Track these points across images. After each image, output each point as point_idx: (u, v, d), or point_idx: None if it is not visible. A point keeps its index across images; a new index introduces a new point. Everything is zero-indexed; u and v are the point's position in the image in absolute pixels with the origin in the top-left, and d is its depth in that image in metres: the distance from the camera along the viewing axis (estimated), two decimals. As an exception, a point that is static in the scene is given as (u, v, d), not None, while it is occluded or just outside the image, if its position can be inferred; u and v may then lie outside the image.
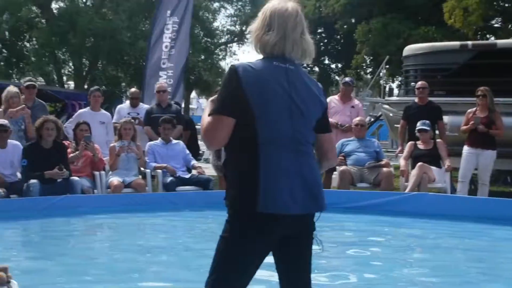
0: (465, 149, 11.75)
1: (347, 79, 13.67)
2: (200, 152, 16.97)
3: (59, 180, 10.29)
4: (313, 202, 3.51)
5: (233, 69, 3.45)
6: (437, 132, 12.43)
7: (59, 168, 10.14)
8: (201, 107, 63.59)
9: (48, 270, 6.57)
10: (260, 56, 3.67)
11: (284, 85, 3.50)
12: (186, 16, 17.25)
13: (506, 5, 24.46)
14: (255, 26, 3.63)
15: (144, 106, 13.42)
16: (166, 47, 16.86)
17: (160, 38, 17.09)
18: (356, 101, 13.33)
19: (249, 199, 3.37)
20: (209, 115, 3.45)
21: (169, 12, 17.21)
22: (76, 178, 10.47)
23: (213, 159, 3.90)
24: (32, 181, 10.03)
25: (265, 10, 3.61)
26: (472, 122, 11.57)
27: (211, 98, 3.69)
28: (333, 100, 12.87)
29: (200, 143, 15.11)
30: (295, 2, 3.66)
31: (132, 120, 11.93)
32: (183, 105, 34.78)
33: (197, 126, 14.65)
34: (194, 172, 11.81)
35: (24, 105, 11.17)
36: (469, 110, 11.93)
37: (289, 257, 3.61)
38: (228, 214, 3.50)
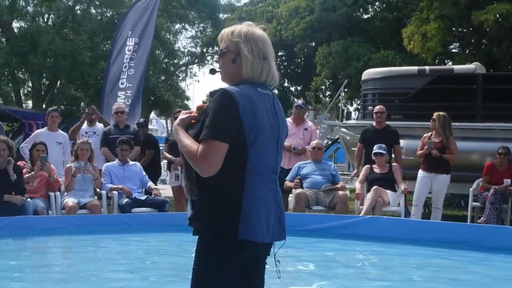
0: (420, 173, 11.85)
1: (299, 102, 13.67)
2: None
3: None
4: (280, 231, 3.59)
5: (229, 94, 3.39)
6: (393, 156, 12.54)
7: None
8: (161, 127, 63.52)
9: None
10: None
11: (270, 114, 3.54)
12: (145, 36, 17.22)
13: (465, 30, 24.76)
14: (248, 52, 3.54)
15: (100, 125, 13.37)
16: (125, 67, 16.81)
17: (119, 58, 17.03)
18: (309, 123, 13.34)
19: (230, 225, 3.38)
20: (202, 140, 3.37)
21: (130, 32, 17.18)
22: (28, 199, 10.37)
23: (186, 182, 3.67)
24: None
25: (250, 36, 3.58)
26: (426, 146, 11.68)
27: (176, 122, 3.64)
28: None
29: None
30: (263, 29, 3.69)
31: (90, 141, 11.85)
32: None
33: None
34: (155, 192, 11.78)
35: None
36: (424, 135, 12.04)
37: (249, 279, 3.65)
38: (201, 241, 3.49)
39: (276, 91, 35.04)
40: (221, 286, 3.47)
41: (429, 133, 11.98)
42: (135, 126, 13.34)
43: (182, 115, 3.66)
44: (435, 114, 11.81)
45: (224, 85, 3.56)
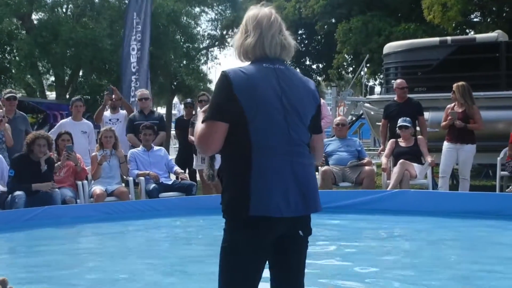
0: (445, 144, 11.78)
1: None
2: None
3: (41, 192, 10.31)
4: (306, 204, 3.51)
5: (224, 74, 3.48)
6: (418, 128, 12.47)
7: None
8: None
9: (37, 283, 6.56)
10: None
11: (275, 86, 3.53)
12: (146, 15, 17.32)
13: (485, -1, 24.53)
14: (236, 37, 3.71)
15: (124, 112, 13.41)
16: (133, 49, 16.92)
17: (129, 42, 17.13)
18: None
19: (241, 203, 3.39)
20: (202, 121, 3.49)
21: (135, 14, 17.27)
22: (56, 189, 10.43)
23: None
24: (18, 192, 10.01)
25: (245, 18, 3.70)
26: (449, 117, 11.60)
27: (202, 109, 3.72)
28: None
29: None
30: (270, 7, 3.73)
31: (113, 128, 11.90)
32: (164, 111, 34.73)
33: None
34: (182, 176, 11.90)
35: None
36: (448, 106, 11.96)
37: (283, 259, 3.63)
38: (225, 221, 3.53)
39: (298, 70, 35.01)
40: (241, 264, 3.50)
41: (452, 104, 11.90)
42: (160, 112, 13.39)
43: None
44: (454, 86, 11.72)
45: None
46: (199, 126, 3.55)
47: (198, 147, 3.57)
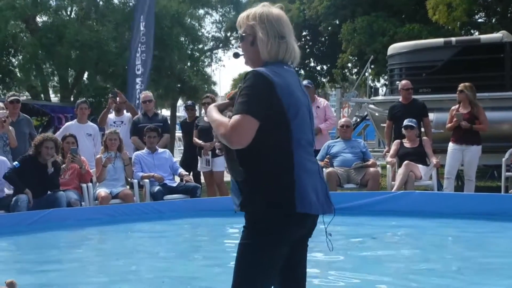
0: (450, 145, 11.76)
1: (305, 82, 13.37)
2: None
3: (49, 193, 10.32)
4: (328, 203, 3.57)
5: (262, 74, 3.42)
6: (422, 129, 12.44)
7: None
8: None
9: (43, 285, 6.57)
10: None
11: (300, 88, 3.60)
12: (150, 17, 17.32)
13: (489, -1, 24.50)
14: (262, 34, 3.57)
15: (128, 114, 13.40)
16: (138, 52, 16.94)
17: (136, 44, 17.13)
18: (320, 100, 13.21)
19: (287, 200, 3.38)
20: (234, 114, 3.38)
21: (142, 16, 17.28)
22: (61, 192, 10.46)
23: (230, 164, 3.61)
24: (21, 196, 10.02)
25: (264, 17, 3.60)
26: (455, 119, 11.58)
27: (214, 104, 3.71)
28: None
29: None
30: (280, 8, 3.70)
31: (118, 131, 11.90)
32: (169, 113, 34.69)
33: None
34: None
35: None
36: (452, 107, 11.93)
37: (294, 256, 3.66)
38: (253, 218, 3.49)
39: (302, 71, 35.04)
40: (273, 260, 3.49)
41: (457, 105, 11.87)
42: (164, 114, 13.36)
43: (220, 101, 3.73)
44: (463, 85, 11.69)
45: (249, 69, 3.59)
46: (219, 117, 3.50)
47: (227, 137, 3.38)
